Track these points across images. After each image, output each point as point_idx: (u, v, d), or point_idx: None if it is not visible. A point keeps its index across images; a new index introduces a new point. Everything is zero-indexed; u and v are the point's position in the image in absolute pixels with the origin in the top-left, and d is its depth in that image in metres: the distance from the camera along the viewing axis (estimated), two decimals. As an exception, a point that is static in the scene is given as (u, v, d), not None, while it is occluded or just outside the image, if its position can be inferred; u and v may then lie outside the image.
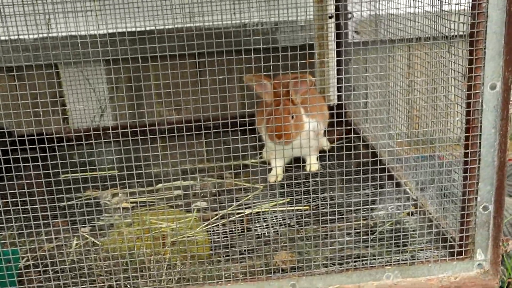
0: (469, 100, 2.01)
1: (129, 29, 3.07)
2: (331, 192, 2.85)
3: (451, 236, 2.22)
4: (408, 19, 2.61)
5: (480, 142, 2.03)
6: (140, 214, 2.76)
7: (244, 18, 3.24)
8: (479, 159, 2.05)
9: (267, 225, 2.66)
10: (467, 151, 2.06)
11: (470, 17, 1.96)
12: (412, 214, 2.58)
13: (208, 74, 2.10)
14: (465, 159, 2.07)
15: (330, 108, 3.64)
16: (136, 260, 2.24)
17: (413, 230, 2.44)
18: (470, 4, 1.96)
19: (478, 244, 2.12)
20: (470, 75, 1.99)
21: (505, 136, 2.02)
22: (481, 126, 2.02)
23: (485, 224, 2.10)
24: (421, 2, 2.39)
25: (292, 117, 2.95)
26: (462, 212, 2.12)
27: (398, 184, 2.75)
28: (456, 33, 2.10)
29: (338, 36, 3.61)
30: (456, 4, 2.12)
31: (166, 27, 3.01)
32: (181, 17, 3.23)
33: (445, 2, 2.19)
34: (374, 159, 2.93)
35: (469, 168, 2.07)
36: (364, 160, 2.73)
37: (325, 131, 3.37)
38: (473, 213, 2.10)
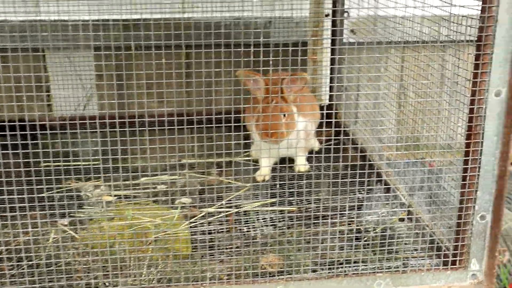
0: (473, 106, 1.95)
1: (122, 17, 2.97)
2: (320, 194, 2.77)
3: (445, 244, 2.16)
4: (410, 21, 2.55)
5: (481, 150, 1.97)
6: (122, 208, 2.66)
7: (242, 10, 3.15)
8: (479, 167, 1.99)
9: (254, 225, 2.57)
10: (467, 158, 2.00)
11: (479, 21, 1.89)
12: (403, 220, 2.52)
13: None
14: (465, 166, 2.01)
15: (321, 108, 3.56)
16: (116, 257, 2.13)
17: (405, 237, 2.37)
18: (480, 7, 1.90)
19: (473, 254, 2.06)
20: (475, 80, 1.93)
21: (507, 144, 1.96)
22: (483, 133, 1.96)
23: (482, 234, 2.04)
24: (427, 4, 2.32)
25: (284, 115, 2.87)
26: (458, 221, 2.06)
27: (389, 189, 2.69)
28: (462, 37, 2.04)
29: (333, 34, 3.52)
30: (462, 6, 2.05)
31: (163, 16, 2.91)
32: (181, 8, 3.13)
33: (451, 5, 2.13)
34: (368, 162, 2.87)
35: (468, 176, 2.01)
36: (355, 163, 2.67)
37: (315, 131, 3.30)
38: (470, 222, 2.05)
